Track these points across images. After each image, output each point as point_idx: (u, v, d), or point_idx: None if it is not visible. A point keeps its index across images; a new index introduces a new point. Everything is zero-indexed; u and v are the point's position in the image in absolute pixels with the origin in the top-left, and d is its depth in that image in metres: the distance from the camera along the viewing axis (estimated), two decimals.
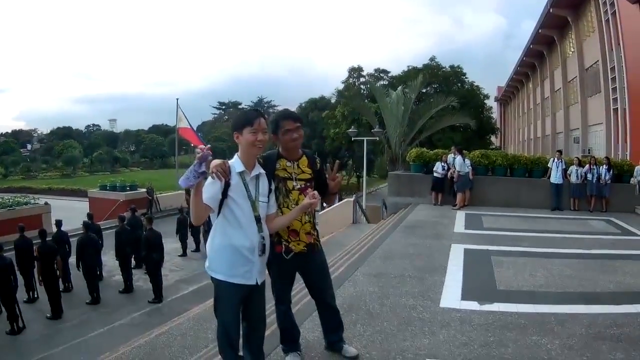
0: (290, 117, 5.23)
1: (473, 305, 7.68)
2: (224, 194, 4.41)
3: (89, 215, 19.03)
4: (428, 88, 55.59)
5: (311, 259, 5.26)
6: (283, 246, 5.11)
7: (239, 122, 4.58)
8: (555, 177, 20.03)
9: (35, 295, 16.19)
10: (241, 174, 4.53)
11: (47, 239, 15.17)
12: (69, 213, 24.86)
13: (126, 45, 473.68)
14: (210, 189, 4.27)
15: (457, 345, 6.04)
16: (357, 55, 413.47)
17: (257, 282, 4.64)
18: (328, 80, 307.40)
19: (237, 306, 4.64)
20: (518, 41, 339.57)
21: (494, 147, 62.76)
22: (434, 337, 6.33)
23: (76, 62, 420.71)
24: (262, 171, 4.75)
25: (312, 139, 68.19)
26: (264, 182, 4.73)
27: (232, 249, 4.49)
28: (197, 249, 22.93)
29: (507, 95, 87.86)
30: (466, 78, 62.19)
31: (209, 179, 4.27)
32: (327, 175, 5.36)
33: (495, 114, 78.81)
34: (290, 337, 5.61)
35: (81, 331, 13.65)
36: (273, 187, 4.92)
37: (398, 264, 10.57)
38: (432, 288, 8.65)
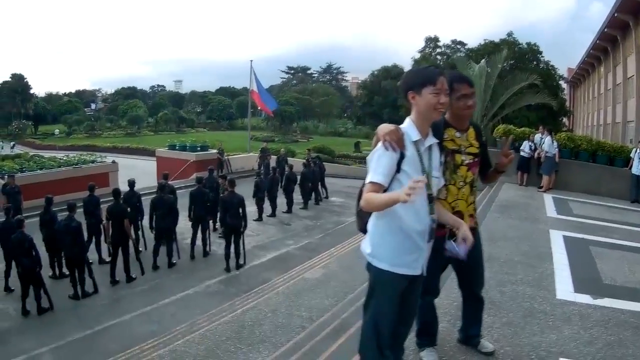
0: (466, 81, 4.60)
1: (587, 298, 7.65)
2: (397, 167, 3.79)
3: (164, 175, 18.39)
4: (505, 64, 54.60)
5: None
6: (447, 230, 4.47)
7: (418, 79, 3.87)
8: (637, 168, 19.31)
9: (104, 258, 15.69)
10: (416, 143, 3.89)
11: (118, 198, 14.58)
12: (135, 172, 24.40)
13: (192, 9, 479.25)
14: (385, 162, 3.72)
15: (583, 343, 5.95)
16: (424, 27, 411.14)
17: (422, 272, 4.11)
18: (394, 49, 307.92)
19: (397, 300, 4.08)
20: (586, 23, 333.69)
21: (565, 129, 61.44)
22: (559, 332, 6.27)
23: (141, 24, 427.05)
24: (436, 141, 4.11)
25: (384, 107, 67.81)
26: (436, 154, 4.12)
27: (402, 233, 3.90)
28: (273, 214, 22.54)
29: (578, 78, 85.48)
30: (542, 57, 60.98)
31: (381, 149, 3.77)
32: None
33: (565, 96, 77.37)
34: (430, 331, 5.21)
35: (152, 297, 13.15)
36: (443, 160, 4.28)
37: (504, 247, 10.59)
38: (544, 277, 8.67)
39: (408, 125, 3.89)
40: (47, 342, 10.85)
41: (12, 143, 68.05)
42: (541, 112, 51.25)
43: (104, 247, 15.47)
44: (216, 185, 18.99)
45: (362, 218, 4.24)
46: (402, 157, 3.75)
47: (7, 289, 13.30)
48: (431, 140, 3.99)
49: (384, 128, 3.73)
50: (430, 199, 3.96)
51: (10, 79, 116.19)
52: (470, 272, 4.97)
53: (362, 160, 64.36)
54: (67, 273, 13.69)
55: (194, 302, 12.62)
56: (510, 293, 7.48)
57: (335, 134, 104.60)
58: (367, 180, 3.83)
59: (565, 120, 70.47)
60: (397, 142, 3.65)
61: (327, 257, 13.74)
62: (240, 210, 15.27)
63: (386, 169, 3.68)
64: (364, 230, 4.26)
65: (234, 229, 15.26)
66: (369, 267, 4.09)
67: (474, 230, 4.73)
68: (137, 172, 23.73)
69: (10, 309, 12.46)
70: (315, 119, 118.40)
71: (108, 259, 15.08)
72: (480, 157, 4.76)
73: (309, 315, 7.59)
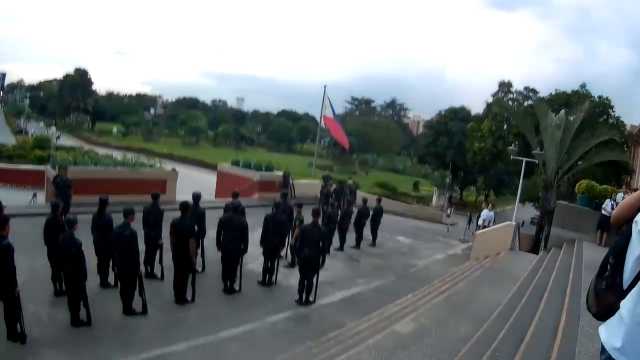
0: None
1: None
2: None
3: (235, 194, 16.96)
4: (575, 116, 53.76)
5: None
6: None
7: None
8: None
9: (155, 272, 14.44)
10: None
11: (186, 213, 13.20)
12: (192, 184, 23.40)
13: (261, 28, 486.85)
14: None
15: None
16: (490, 71, 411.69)
17: None
18: (457, 90, 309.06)
19: None
20: None
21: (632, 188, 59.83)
22: None
23: (209, 37, 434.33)
24: None
25: (448, 149, 66.66)
26: None
27: None
28: (341, 248, 21.21)
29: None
30: (613, 112, 59.28)
31: None
32: None
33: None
34: None
35: (209, 327, 11.75)
36: None
37: None
38: None
39: None
40: None
41: (57, 133, 67.64)
42: (608, 168, 49.66)
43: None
44: (290, 211, 17.76)
45: (604, 299, 3.24)
46: None
47: (58, 293, 12.06)
48: None
49: None
50: None
51: (73, 73, 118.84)
52: None
53: (421, 200, 63.62)
54: (113, 284, 12.65)
55: (259, 341, 11.37)
56: None
57: (393, 171, 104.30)
58: None
59: (629, 178, 69.14)
60: None
61: (411, 307, 12.89)
62: (321, 244, 14.05)
63: None
64: (602, 316, 3.26)
65: (311, 263, 13.97)
66: None
67: None
68: (195, 185, 22.49)
69: (44, 315, 11.25)
70: (375, 153, 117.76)
71: (159, 276, 14.07)
72: None
73: None
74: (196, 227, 13.73)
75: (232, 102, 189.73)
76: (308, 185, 33.75)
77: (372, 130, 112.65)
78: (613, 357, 2.98)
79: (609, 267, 3.25)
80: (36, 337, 10.03)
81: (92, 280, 11.96)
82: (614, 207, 18.66)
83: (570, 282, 12.44)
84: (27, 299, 10.42)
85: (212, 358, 10.17)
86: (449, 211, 42.69)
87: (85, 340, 10.37)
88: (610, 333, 3.08)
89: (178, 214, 13.11)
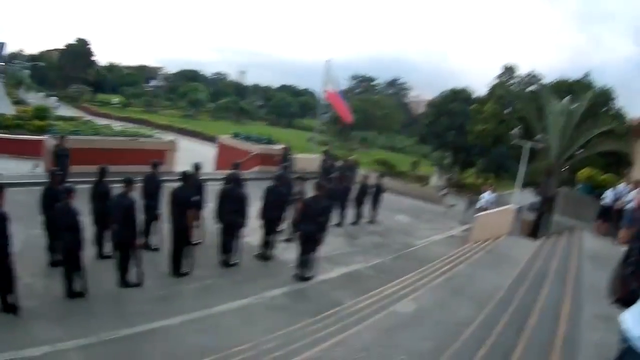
0: None
1: None
2: None
3: (235, 165, 16.97)
4: (578, 104, 53.77)
5: None
6: None
7: None
8: None
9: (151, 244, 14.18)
10: None
11: (187, 183, 13.03)
12: (191, 155, 23.16)
13: (265, 4, 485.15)
14: None
15: None
16: (491, 56, 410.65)
17: None
18: (459, 72, 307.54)
19: None
20: None
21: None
22: None
23: (212, 11, 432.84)
24: None
25: (449, 129, 66.52)
26: None
27: None
28: (340, 224, 21.06)
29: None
30: (615, 103, 59.01)
31: None
32: None
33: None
34: None
35: (205, 300, 11.65)
36: None
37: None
38: None
39: None
40: (76, 334, 9.33)
41: (56, 104, 66.73)
42: (610, 158, 49.65)
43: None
44: (289, 184, 17.49)
45: (629, 284, 3.30)
46: None
47: (54, 264, 11.76)
48: None
49: None
50: None
51: (75, 43, 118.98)
52: None
53: (420, 180, 63.56)
54: (111, 255, 12.32)
55: (256, 316, 11.28)
56: None
57: (393, 149, 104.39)
58: None
59: (629, 171, 68.90)
60: None
61: (411, 287, 12.80)
62: (322, 219, 13.84)
63: None
64: (624, 302, 3.30)
65: (311, 238, 13.77)
66: (628, 353, 3.04)
67: None
68: (194, 156, 22.32)
69: (39, 286, 11.08)
70: (375, 131, 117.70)
71: (156, 247, 13.83)
72: None
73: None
74: (200, 197, 13.69)
75: (233, 76, 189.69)
76: (307, 160, 33.52)
77: (372, 107, 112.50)
78: (637, 345, 2.92)
79: (635, 253, 3.21)
80: (29, 308, 9.88)
81: (88, 251, 11.78)
82: (615, 197, 18.84)
83: (570, 271, 12.44)
84: (22, 269, 10.28)
85: (208, 332, 10.07)
86: (444, 191, 42.55)
87: (79, 312, 10.25)
88: (635, 321, 3.02)
89: (176, 185, 12.93)
